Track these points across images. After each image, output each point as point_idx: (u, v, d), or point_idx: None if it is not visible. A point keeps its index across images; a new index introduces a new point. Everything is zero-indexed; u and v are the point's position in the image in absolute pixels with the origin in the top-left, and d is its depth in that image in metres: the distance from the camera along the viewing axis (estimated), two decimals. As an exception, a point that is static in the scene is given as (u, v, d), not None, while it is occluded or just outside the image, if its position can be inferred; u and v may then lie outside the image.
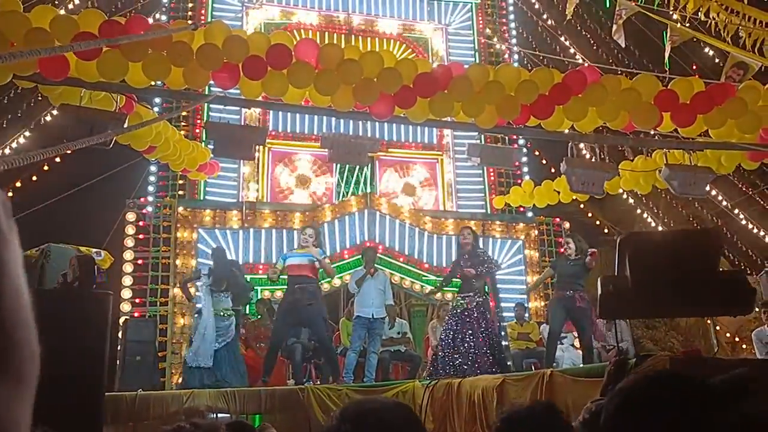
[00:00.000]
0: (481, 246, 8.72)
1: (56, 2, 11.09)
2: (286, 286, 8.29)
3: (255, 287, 10.10)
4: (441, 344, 7.77)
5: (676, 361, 3.38)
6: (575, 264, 7.74)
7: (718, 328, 13.31)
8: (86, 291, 4.85)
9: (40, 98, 10.89)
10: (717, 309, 3.77)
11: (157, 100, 10.50)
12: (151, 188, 11.09)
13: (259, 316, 9.46)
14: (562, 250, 8.06)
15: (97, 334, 4.73)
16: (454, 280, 8.51)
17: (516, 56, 13.41)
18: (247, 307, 10.03)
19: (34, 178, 12.65)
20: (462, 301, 7.80)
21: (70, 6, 11.51)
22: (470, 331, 7.54)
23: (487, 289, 8.29)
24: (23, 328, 0.64)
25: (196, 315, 8.45)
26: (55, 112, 10.89)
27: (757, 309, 7.57)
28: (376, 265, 8.87)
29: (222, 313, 7.87)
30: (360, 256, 9.75)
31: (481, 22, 13.45)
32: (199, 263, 9.79)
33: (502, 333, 9.72)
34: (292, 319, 8.04)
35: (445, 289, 9.36)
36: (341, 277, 10.42)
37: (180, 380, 8.76)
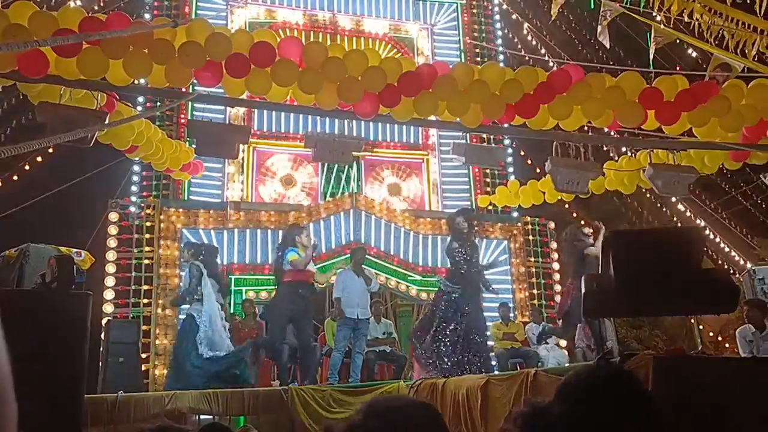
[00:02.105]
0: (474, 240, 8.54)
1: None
2: (276, 287, 8.31)
3: (240, 288, 10.09)
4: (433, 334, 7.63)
5: (661, 359, 3.37)
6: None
7: (701, 327, 13.40)
8: (65, 291, 4.77)
9: (21, 97, 10.76)
10: (702, 307, 3.77)
11: (140, 99, 10.41)
12: (134, 188, 10.98)
13: (244, 316, 9.39)
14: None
15: (77, 334, 4.65)
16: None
17: (501, 56, 13.42)
18: (232, 306, 9.98)
19: (15, 177, 12.49)
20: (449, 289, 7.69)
21: (52, 3, 11.37)
22: (452, 325, 7.48)
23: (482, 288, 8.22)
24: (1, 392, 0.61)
25: (193, 305, 7.85)
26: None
27: (741, 307, 7.60)
28: (362, 265, 8.84)
29: (221, 306, 7.89)
30: (347, 256, 9.71)
31: (466, 22, 13.45)
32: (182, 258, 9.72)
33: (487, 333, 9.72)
34: (286, 322, 8.11)
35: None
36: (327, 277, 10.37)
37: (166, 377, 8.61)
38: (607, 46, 11.09)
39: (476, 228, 8.61)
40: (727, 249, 15.23)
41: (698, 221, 15.19)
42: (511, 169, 12.54)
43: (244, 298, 9.90)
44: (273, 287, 8.87)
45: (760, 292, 8.86)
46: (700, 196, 14.61)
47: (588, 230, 7.94)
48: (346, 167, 11.58)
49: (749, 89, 7.70)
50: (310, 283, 8.30)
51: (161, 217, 10.36)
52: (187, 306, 8.04)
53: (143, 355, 9.13)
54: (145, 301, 10.07)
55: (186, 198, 10.96)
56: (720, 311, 3.42)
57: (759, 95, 7.65)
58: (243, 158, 11.24)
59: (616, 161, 9.70)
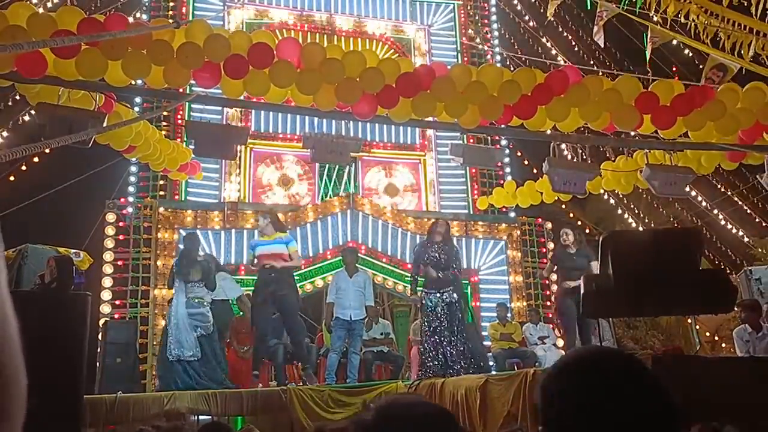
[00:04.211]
0: (455, 245, 8.57)
1: (34, 1, 10.92)
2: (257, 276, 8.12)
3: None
4: (425, 343, 7.66)
5: (660, 359, 3.39)
6: (579, 256, 7.83)
7: (698, 327, 13.44)
8: (64, 292, 4.77)
9: (18, 97, 10.75)
10: (700, 307, 3.79)
11: (138, 99, 10.40)
12: (131, 188, 10.97)
13: (241, 314, 9.38)
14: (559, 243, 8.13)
15: (76, 335, 4.65)
16: (419, 278, 8.00)
17: (498, 57, 13.45)
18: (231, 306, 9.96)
19: (12, 178, 12.45)
20: (435, 298, 7.69)
21: (49, 5, 11.35)
22: (446, 331, 7.49)
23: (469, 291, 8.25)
24: (10, 366, 0.62)
25: (169, 306, 8.02)
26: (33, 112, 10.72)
27: (735, 308, 7.63)
28: (357, 265, 8.83)
29: (195, 300, 7.77)
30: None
31: (463, 22, 13.48)
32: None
33: (484, 333, 9.76)
34: (269, 309, 7.95)
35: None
36: (324, 277, 10.37)
37: (157, 382, 8.53)
38: (603, 45, 11.14)
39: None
40: (723, 249, 15.30)
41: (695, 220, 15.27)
42: (508, 170, 12.58)
43: (241, 295, 9.87)
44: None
45: (757, 292, 8.90)
46: (696, 198, 14.66)
47: (570, 235, 8.16)
48: (340, 168, 11.58)
49: (744, 93, 7.74)
50: (275, 262, 7.94)
51: (158, 217, 10.35)
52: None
53: (141, 356, 9.12)
54: (143, 301, 10.06)
55: (183, 198, 10.95)
56: (718, 311, 3.45)
57: (754, 98, 7.69)
58: (240, 158, 11.22)
59: (613, 161, 9.75)
